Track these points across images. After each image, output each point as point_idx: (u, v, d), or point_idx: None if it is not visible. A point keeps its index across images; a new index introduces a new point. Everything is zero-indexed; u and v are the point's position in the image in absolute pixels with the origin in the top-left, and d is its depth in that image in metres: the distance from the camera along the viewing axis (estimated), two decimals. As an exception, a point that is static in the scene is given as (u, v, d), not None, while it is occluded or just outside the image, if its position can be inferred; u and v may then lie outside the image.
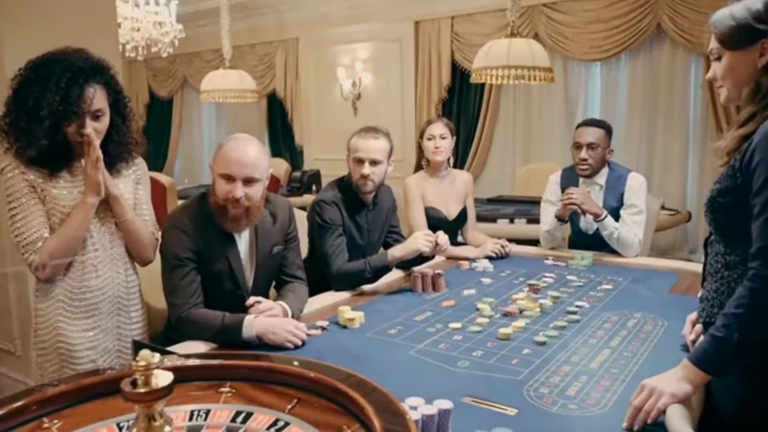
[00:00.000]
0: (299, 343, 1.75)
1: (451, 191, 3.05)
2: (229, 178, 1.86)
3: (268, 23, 7.42)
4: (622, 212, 2.79)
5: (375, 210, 2.59)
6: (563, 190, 2.87)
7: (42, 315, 1.79)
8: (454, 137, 3.03)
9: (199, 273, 1.92)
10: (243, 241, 2.01)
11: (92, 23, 2.87)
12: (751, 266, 1.26)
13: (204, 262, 1.93)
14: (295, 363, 1.25)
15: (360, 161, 2.44)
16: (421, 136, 3.03)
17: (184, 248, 1.89)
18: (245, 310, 1.86)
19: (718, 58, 1.40)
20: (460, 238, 3.18)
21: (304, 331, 1.78)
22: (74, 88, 1.66)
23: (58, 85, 1.64)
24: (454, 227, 3.06)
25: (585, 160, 2.82)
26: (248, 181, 1.87)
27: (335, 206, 2.43)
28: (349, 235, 2.47)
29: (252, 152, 1.88)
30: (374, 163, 2.43)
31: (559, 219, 2.86)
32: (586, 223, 2.89)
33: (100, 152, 1.72)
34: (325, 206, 2.42)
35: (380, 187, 2.56)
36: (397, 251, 2.36)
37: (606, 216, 2.73)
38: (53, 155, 1.71)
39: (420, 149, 3.06)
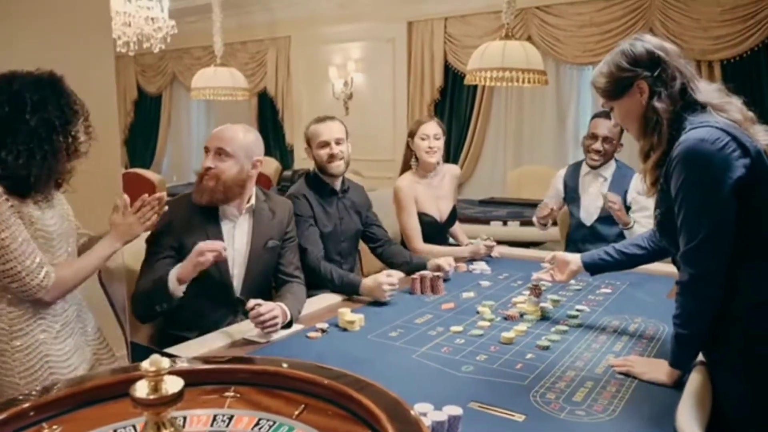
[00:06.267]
0: (219, 248, 1.78)
1: (441, 191, 3.01)
2: (207, 151, 1.98)
3: (260, 21, 7.37)
4: (636, 215, 2.85)
5: (346, 198, 2.59)
6: (566, 184, 3.03)
7: (22, 335, 1.68)
8: (445, 137, 2.99)
9: (178, 261, 1.91)
10: (239, 230, 2.03)
11: (86, 18, 2.81)
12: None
13: (187, 247, 1.90)
14: (284, 365, 1.22)
15: (326, 144, 2.47)
16: (411, 136, 2.94)
17: (163, 236, 1.94)
18: (231, 298, 1.97)
19: (612, 109, 1.61)
20: (451, 240, 3.18)
21: (217, 247, 1.80)
22: None
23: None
24: (446, 228, 3.05)
25: (599, 151, 2.92)
26: (219, 154, 1.95)
27: (303, 198, 2.44)
28: (322, 223, 2.46)
29: (231, 130, 1.99)
30: (338, 142, 2.48)
31: (540, 222, 3.06)
32: (587, 215, 2.93)
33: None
34: (294, 200, 2.42)
35: (347, 168, 2.58)
36: (365, 288, 2.23)
37: (633, 225, 2.80)
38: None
39: (409, 149, 2.97)
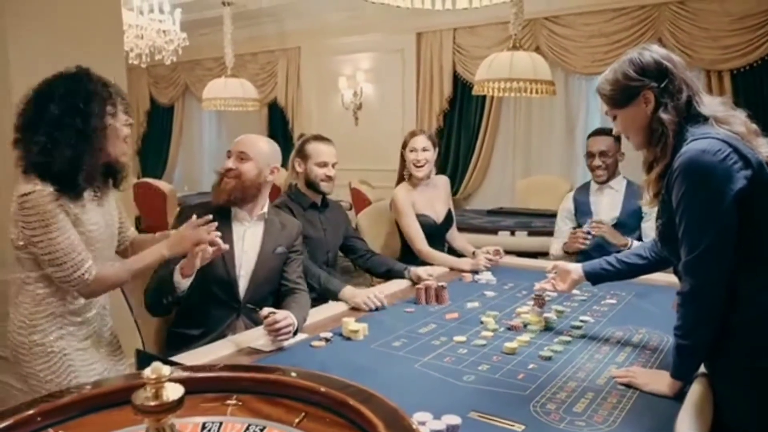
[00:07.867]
0: (216, 242, 1.83)
1: (436, 195, 3.12)
2: (229, 155, 2.14)
3: (270, 32, 7.45)
4: (647, 225, 2.88)
5: (328, 211, 2.71)
6: (576, 200, 3.08)
7: (39, 331, 1.77)
8: (437, 149, 3.09)
9: None
10: (250, 234, 2.13)
11: (98, 31, 2.87)
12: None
13: None
14: (293, 374, 1.23)
15: (325, 164, 2.61)
16: (403, 147, 3.07)
17: None
18: (235, 299, 2.07)
19: (615, 117, 1.60)
20: (458, 251, 3.19)
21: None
22: None
23: None
24: (443, 230, 3.13)
25: (599, 166, 2.98)
26: (241, 157, 2.10)
27: (285, 208, 2.54)
28: (306, 232, 2.51)
29: (251, 138, 2.18)
30: (334, 165, 2.65)
31: (566, 252, 2.98)
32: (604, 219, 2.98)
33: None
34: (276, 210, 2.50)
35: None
36: (346, 295, 2.34)
37: (632, 243, 2.80)
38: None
39: (402, 159, 3.10)
